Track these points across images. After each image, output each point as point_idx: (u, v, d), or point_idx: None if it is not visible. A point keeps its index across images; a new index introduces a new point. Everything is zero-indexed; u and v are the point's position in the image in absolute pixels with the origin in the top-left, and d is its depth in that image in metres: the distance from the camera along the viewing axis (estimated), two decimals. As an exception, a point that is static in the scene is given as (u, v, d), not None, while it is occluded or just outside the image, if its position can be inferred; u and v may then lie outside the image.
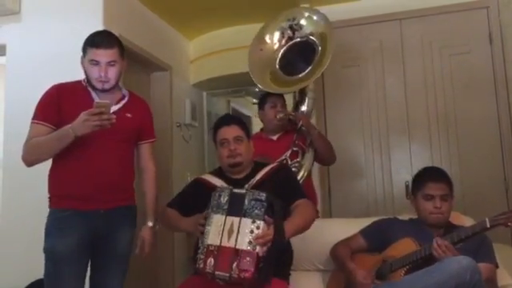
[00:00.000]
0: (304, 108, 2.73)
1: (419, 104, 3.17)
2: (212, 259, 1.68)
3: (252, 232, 1.65)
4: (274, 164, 2.06)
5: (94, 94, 1.98)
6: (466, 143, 3.05)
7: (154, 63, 3.53)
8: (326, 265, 2.23)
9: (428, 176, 1.98)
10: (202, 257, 1.72)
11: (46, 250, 1.90)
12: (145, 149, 2.15)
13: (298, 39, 2.75)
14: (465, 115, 3.07)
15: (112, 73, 1.94)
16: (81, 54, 1.96)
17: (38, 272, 1.94)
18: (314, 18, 2.74)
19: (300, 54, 2.67)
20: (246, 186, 1.89)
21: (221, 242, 1.70)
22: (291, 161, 2.59)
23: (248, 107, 5.58)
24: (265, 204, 1.68)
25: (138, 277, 3.25)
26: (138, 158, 2.15)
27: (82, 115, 1.76)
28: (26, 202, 2.72)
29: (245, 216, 1.69)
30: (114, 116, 1.80)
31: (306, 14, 2.78)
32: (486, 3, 3.09)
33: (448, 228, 1.90)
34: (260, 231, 1.65)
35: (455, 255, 1.69)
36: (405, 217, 2.11)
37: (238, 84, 4.39)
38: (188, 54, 4.17)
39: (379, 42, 3.28)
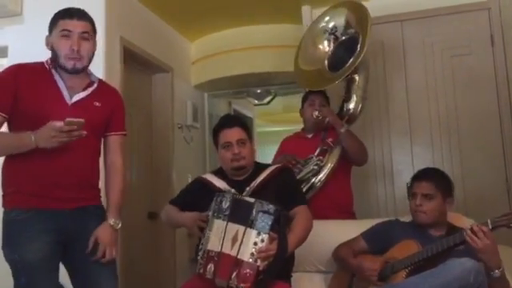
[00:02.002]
0: (351, 106, 2.64)
1: (421, 105, 3.16)
2: (212, 265, 1.69)
3: (256, 244, 1.64)
4: (276, 166, 2.04)
5: (57, 77, 1.74)
6: (468, 144, 3.04)
7: (156, 65, 3.54)
8: (327, 266, 2.23)
9: (415, 176, 2.03)
10: (202, 262, 1.73)
11: (13, 262, 1.66)
12: (114, 141, 1.89)
13: (344, 37, 2.72)
14: (466, 116, 3.06)
15: (85, 49, 1.73)
16: (47, 34, 1.78)
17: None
18: (334, 10, 2.76)
19: (348, 52, 2.63)
20: (248, 188, 1.88)
21: (221, 249, 1.70)
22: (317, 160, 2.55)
23: (249, 108, 5.60)
24: (272, 217, 1.66)
25: (139, 279, 3.25)
26: (105, 151, 1.90)
27: (50, 130, 1.56)
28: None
29: (251, 227, 1.67)
30: (85, 132, 1.61)
31: (327, 18, 2.79)
32: (488, 4, 3.08)
33: (450, 229, 1.90)
34: (264, 245, 1.64)
35: (493, 241, 1.64)
36: (406, 218, 2.11)
37: (239, 85, 4.41)
38: (189, 55, 4.17)
39: (380, 44, 3.27)
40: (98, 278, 1.76)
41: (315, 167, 2.51)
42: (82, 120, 1.58)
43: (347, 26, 2.70)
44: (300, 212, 1.88)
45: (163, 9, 3.46)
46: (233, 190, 1.88)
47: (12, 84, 1.69)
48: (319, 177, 2.51)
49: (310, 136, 2.71)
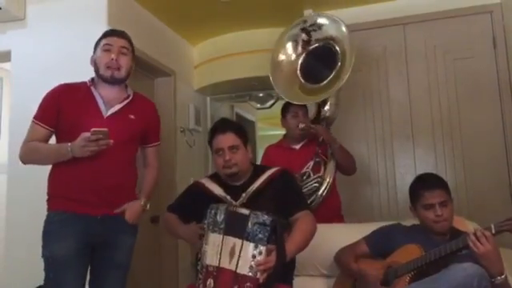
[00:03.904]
0: (326, 112, 2.71)
1: (423, 109, 3.16)
2: (212, 280, 1.67)
3: (254, 257, 1.63)
4: (274, 170, 1.96)
5: (96, 93, 1.94)
6: (471, 148, 3.04)
7: (158, 68, 3.54)
8: (330, 270, 2.22)
9: (422, 186, 1.94)
10: (201, 277, 1.71)
11: (46, 257, 1.85)
12: (151, 152, 2.14)
13: (316, 44, 2.73)
14: (469, 120, 3.06)
15: (123, 61, 1.94)
16: (90, 54, 1.99)
17: (43, 277, 1.91)
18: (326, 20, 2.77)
19: (320, 59, 2.66)
20: (244, 194, 1.85)
21: (220, 263, 1.68)
22: (314, 174, 2.59)
23: (252, 112, 5.58)
24: (269, 228, 1.64)
25: (141, 282, 3.25)
26: (143, 159, 2.15)
27: (81, 140, 1.76)
28: (30, 208, 2.73)
29: (247, 240, 1.65)
30: (112, 141, 1.79)
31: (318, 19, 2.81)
32: (490, 8, 3.08)
33: (453, 234, 1.89)
34: (262, 257, 1.62)
35: (495, 247, 1.63)
36: (409, 222, 2.10)
37: (241, 89, 4.40)
38: (192, 59, 4.18)
39: (383, 47, 3.27)
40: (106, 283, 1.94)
41: (316, 184, 2.56)
42: (105, 129, 1.76)
43: (332, 39, 2.68)
44: (301, 217, 1.85)
45: (165, 13, 3.47)
46: (228, 197, 1.85)
47: (56, 101, 1.92)
48: (320, 192, 2.57)
49: (297, 147, 2.74)
